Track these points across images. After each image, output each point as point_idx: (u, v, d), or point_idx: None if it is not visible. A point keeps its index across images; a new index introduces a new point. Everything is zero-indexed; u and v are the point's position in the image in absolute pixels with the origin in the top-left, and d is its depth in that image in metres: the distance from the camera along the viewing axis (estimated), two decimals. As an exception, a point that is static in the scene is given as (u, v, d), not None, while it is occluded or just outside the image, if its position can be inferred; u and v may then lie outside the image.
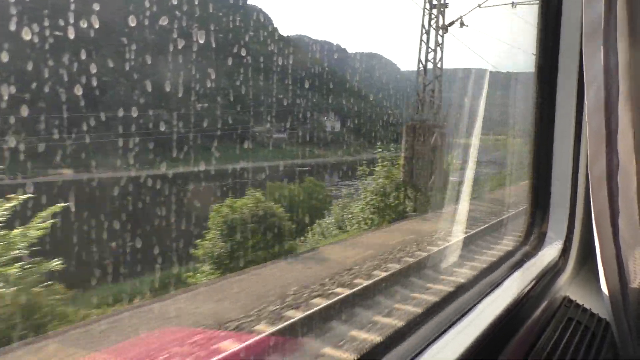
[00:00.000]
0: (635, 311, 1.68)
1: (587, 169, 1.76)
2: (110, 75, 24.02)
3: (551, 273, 1.99)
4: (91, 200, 12.57)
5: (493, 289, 1.70)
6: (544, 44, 2.06)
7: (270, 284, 7.88)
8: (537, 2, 2.08)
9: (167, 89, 17.46)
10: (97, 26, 7.63)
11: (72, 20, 7.30)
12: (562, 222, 2.17)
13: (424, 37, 16.26)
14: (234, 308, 6.60)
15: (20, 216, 5.52)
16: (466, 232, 10.02)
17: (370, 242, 11.64)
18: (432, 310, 1.47)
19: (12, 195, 5.51)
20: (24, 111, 9.81)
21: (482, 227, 10.73)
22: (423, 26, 16.18)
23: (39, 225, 5.53)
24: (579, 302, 2.00)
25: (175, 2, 11.80)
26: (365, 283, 7.24)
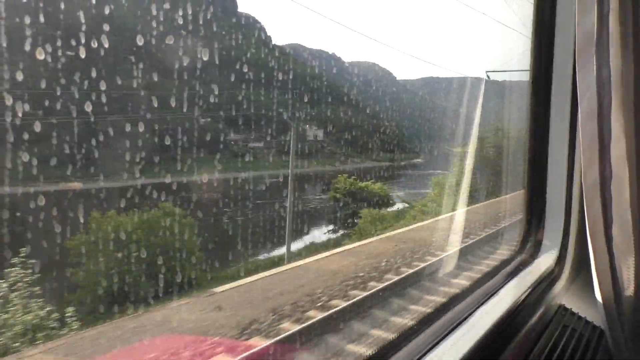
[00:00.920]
0: (629, 319, 1.69)
1: (581, 178, 1.78)
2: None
3: (547, 281, 2.01)
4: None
5: (489, 297, 1.71)
6: (538, 55, 2.10)
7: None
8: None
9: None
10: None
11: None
12: (557, 231, 2.19)
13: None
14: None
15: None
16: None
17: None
18: (429, 318, 1.48)
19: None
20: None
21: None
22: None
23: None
24: (574, 310, 2.01)
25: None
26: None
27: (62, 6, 9.16)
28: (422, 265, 8.41)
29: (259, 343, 5.69)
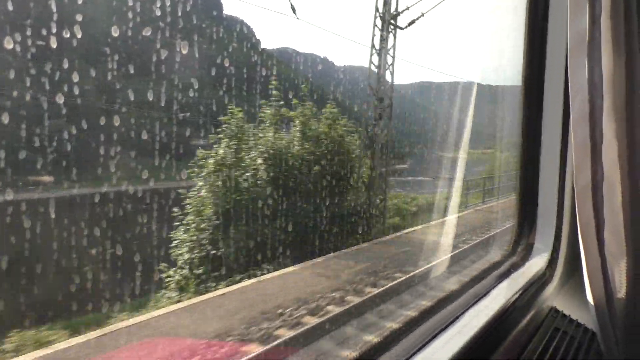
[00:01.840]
0: (621, 322, 1.69)
1: (573, 180, 1.78)
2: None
3: (538, 283, 2.00)
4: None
5: (480, 299, 1.70)
6: (530, 57, 2.10)
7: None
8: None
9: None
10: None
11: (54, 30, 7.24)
12: (549, 233, 2.19)
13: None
14: None
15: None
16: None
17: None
18: (418, 319, 1.47)
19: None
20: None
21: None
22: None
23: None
24: (566, 312, 2.01)
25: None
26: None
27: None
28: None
29: (257, 347, 5.64)
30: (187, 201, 11.04)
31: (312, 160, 12.32)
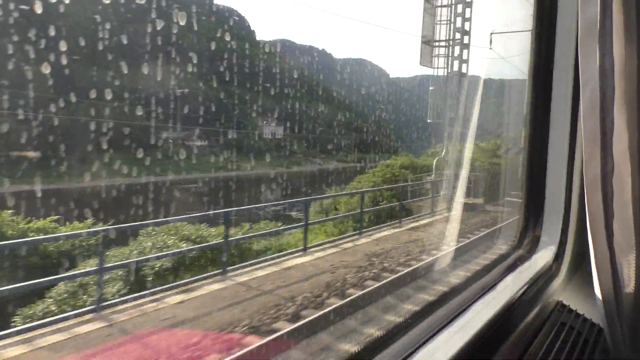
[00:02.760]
0: (628, 317, 1.65)
1: (581, 172, 1.74)
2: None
3: (544, 277, 1.97)
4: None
5: (486, 292, 1.67)
6: (539, 45, 2.05)
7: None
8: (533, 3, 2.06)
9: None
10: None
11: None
12: (556, 226, 2.15)
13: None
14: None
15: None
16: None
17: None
18: (424, 311, 1.44)
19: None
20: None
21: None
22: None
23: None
24: (572, 307, 1.98)
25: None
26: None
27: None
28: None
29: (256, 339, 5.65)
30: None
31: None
